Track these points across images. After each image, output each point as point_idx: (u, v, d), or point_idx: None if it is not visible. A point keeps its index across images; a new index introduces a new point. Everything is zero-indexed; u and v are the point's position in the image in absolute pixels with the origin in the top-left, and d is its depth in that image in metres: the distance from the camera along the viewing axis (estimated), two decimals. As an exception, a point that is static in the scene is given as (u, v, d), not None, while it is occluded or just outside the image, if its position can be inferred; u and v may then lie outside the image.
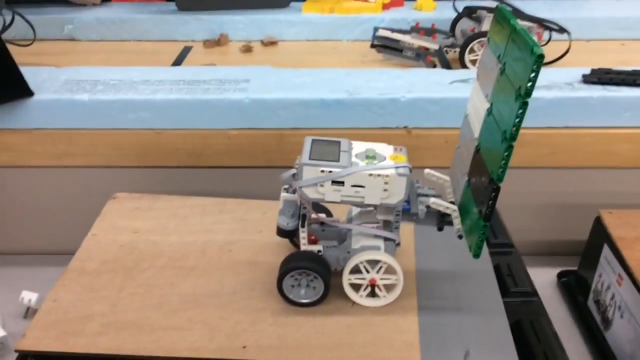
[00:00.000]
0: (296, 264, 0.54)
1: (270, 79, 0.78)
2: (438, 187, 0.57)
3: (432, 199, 0.53)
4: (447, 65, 0.92)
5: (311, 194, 0.52)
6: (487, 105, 0.51)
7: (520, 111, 0.44)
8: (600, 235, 0.67)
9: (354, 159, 0.53)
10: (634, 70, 0.76)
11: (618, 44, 1.01)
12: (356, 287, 0.55)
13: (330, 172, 0.51)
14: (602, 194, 0.77)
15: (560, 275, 0.77)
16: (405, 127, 0.75)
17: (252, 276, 0.59)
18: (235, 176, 0.77)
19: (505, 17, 0.50)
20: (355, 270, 0.55)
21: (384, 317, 0.54)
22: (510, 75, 0.46)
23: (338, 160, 0.52)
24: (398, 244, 0.56)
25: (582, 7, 1.07)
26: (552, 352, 0.52)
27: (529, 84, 0.43)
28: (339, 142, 0.54)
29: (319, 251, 0.55)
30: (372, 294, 0.55)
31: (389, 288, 0.55)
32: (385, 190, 0.52)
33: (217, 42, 1.04)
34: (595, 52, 0.97)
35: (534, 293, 0.59)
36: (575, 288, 0.74)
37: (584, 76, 0.75)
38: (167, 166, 0.76)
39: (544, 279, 0.77)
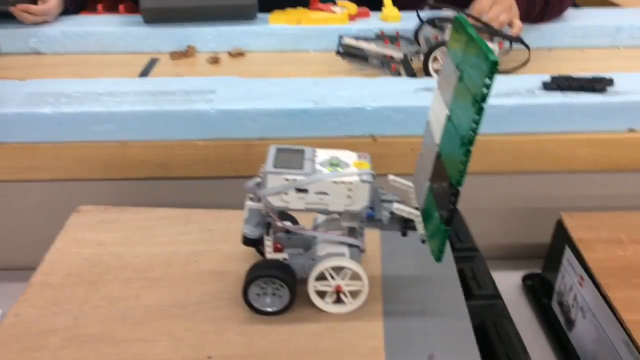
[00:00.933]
0: (261, 272, 0.54)
1: (236, 89, 0.78)
2: (402, 193, 0.58)
3: (396, 205, 0.53)
4: (412, 73, 0.93)
5: (275, 202, 0.53)
6: (447, 112, 0.52)
7: (477, 117, 0.45)
8: (561, 238, 0.68)
9: (318, 166, 0.53)
10: (592, 77, 0.78)
11: (579, 51, 1.03)
12: (322, 294, 0.56)
13: (294, 180, 0.51)
14: (564, 197, 0.78)
15: (525, 278, 0.78)
16: (371, 136, 0.76)
17: (218, 286, 0.58)
18: (202, 187, 0.76)
19: (462, 26, 0.51)
20: (321, 277, 0.55)
21: (350, 323, 0.54)
22: (468, 83, 0.47)
23: (302, 168, 0.52)
24: (363, 251, 0.56)
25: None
26: (515, 354, 0.52)
27: (485, 90, 0.44)
28: (303, 150, 0.55)
29: (284, 259, 0.55)
30: (338, 301, 0.56)
31: (354, 294, 0.56)
32: (349, 197, 0.52)
33: (185, 53, 1.04)
34: (556, 60, 0.99)
35: (497, 296, 0.59)
36: (539, 290, 0.75)
37: (544, 83, 0.77)
38: (133, 178, 0.75)
39: (509, 282, 0.79)
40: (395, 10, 1.08)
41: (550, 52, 1.03)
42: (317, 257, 0.55)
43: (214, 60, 1.01)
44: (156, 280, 0.59)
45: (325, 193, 0.52)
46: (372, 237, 0.65)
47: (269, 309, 0.55)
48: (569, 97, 0.74)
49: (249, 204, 0.55)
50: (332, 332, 0.53)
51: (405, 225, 0.55)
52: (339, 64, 0.99)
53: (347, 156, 0.55)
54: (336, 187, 0.52)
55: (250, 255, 0.61)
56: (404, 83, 0.82)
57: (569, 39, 1.05)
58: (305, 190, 0.52)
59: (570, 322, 0.67)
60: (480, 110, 0.44)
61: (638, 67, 0.95)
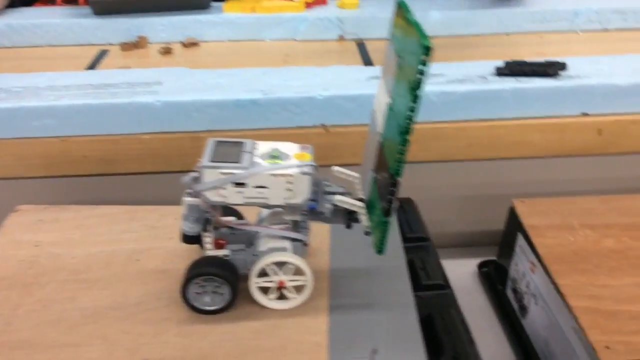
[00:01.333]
0: (200, 270, 0.52)
1: (183, 80, 0.76)
2: (347, 184, 0.57)
3: (337, 197, 0.52)
4: (369, 61, 0.92)
5: (213, 197, 0.51)
6: (389, 100, 0.50)
7: (413, 105, 0.43)
8: (514, 224, 0.68)
9: (257, 159, 0.51)
10: (545, 62, 0.77)
11: (537, 36, 1.02)
12: (265, 291, 0.54)
13: (231, 174, 0.50)
14: (518, 183, 0.78)
15: (480, 266, 0.77)
16: (323, 125, 0.75)
17: (159, 285, 0.56)
18: (149, 182, 0.74)
19: (402, 11, 0.49)
20: (263, 273, 0.53)
21: (293, 319, 0.53)
22: (406, 69, 0.46)
23: (240, 162, 0.50)
24: (307, 244, 0.55)
25: (502, 2, 1.08)
26: (461, 344, 0.51)
27: (419, 76, 0.42)
28: (242, 143, 0.53)
29: (225, 256, 0.54)
30: (283, 297, 0.54)
31: (298, 289, 0.54)
32: (289, 190, 0.51)
33: (135, 44, 1.01)
34: (513, 45, 0.98)
35: (446, 286, 0.58)
36: (494, 277, 0.74)
37: (497, 69, 0.76)
38: (76, 175, 0.73)
39: (465, 270, 0.78)
40: (352, -4, 1.06)
41: (508, 38, 1.02)
42: (258, 253, 0.53)
43: (166, 51, 0.98)
44: (94, 281, 0.57)
45: (264, 187, 0.50)
46: (321, 230, 0.64)
47: (210, 308, 0.53)
48: (521, 83, 0.74)
49: (187, 199, 0.53)
50: (274, 329, 0.52)
51: (350, 217, 0.53)
52: (295, 53, 0.97)
53: (289, 148, 0.53)
54: (275, 180, 0.50)
55: (195, 253, 0.59)
56: (357, 71, 0.80)
57: (527, 24, 1.04)
58: (243, 184, 0.50)
59: (523, 309, 0.67)
60: (415, 98, 0.43)
61: (595, 50, 0.95)
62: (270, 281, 0.53)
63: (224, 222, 0.55)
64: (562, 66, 0.76)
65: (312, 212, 0.53)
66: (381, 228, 0.49)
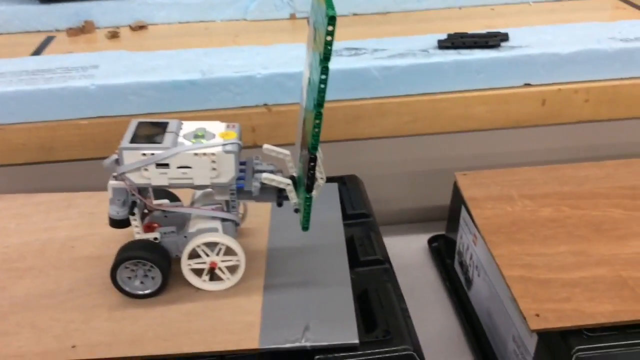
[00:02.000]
0: (128, 254, 0.51)
1: (121, 63, 0.75)
2: (279, 162, 0.56)
3: (265, 175, 0.51)
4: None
5: (136, 179, 0.50)
6: (308, 74, 0.49)
7: (323, 76, 0.42)
8: (458, 198, 0.68)
9: (181, 139, 0.51)
10: (487, 33, 0.77)
11: (488, 9, 1.02)
12: (198, 272, 0.53)
13: (152, 154, 0.49)
14: (464, 157, 0.78)
15: (430, 241, 0.78)
16: (265, 105, 0.74)
17: (93, 272, 0.56)
18: (90, 168, 0.72)
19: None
20: (195, 255, 0.53)
21: (227, 300, 0.52)
22: (318, 42, 0.45)
23: (162, 142, 0.49)
24: (238, 224, 0.54)
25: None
26: (395, 318, 0.51)
27: (327, 47, 0.41)
28: (166, 123, 0.52)
29: (155, 239, 0.53)
30: (216, 277, 0.54)
31: (232, 270, 0.54)
32: (214, 169, 0.50)
33: (82, 29, 0.98)
34: (464, 18, 0.97)
35: (385, 260, 0.58)
36: (443, 252, 0.74)
37: (439, 42, 0.76)
38: (14, 164, 0.71)
39: (416, 245, 0.78)
40: (303, -26, 1.04)
41: (460, 11, 1.01)
42: (188, 234, 0.53)
43: (113, 35, 0.96)
44: (27, 270, 0.56)
45: (188, 167, 0.50)
46: (262, 209, 0.63)
47: (141, 292, 0.52)
48: (463, 55, 0.73)
49: (112, 183, 0.52)
50: (207, 311, 0.51)
51: (280, 195, 0.53)
52: (245, 33, 0.95)
53: (215, 127, 0.53)
54: (198, 160, 0.49)
55: (131, 238, 0.58)
56: (300, 49, 0.79)
57: (479, -4, 1.03)
58: (166, 165, 0.49)
59: (469, 281, 0.67)
60: (324, 69, 0.42)
61: (545, 21, 0.94)
62: (202, 262, 0.53)
63: (154, 205, 0.54)
64: (504, 37, 0.76)
65: (240, 191, 0.52)
66: (304, 205, 0.48)
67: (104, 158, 0.73)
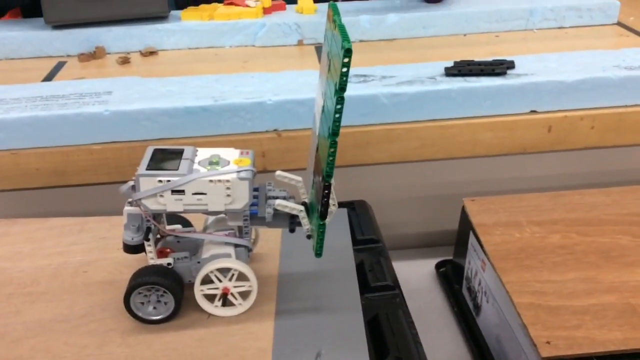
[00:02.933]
0: (142, 280, 0.52)
1: (134, 89, 0.76)
2: (291, 188, 0.57)
3: (278, 201, 0.52)
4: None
5: (152, 205, 0.51)
6: (322, 102, 0.50)
7: (338, 106, 0.43)
8: (466, 223, 0.68)
9: (196, 166, 0.51)
10: (493, 60, 0.78)
11: (493, 36, 1.03)
12: (211, 298, 0.54)
13: (168, 181, 0.50)
14: (471, 182, 0.78)
15: (438, 266, 0.78)
16: (275, 130, 0.75)
17: (106, 296, 0.56)
18: (102, 193, 0.74)
19: (333, 12, 0.50)
20: (208, 280, 0.53)
21: (239, 325, 0.53)
22: (333, 71, 0.46)
23: (177, 169, 0.50)
24: (251, 250, 0.55)
25: (458, 2, 1.09)
26: (406, 344, 0.52)
27: (342, 78, 0.42)
28: (182, 150, 0.53)
29: (168, 264, 0.53)
30: (228, 303, 0.54)
31: (244, 295, 0.54)
32: (228, 195, 0.51)
33: (93, 55, 1.00)
34: (469, 45, 0.99)
35: (395, 286, 0.59)
36: (451, 277, 0.75)
37: (446, 69, 0.77)
38: (27, 188, 0.72)
39: (424, 270, 0.78)
40: (310, 2, 1.06)
41: (465, 38, 1.03)
42: (202, 260, 0.53)
43: (124, 61, 0.98)
44: (40, 294, 0.57)
45: (203, 193, 0.50)
46: (273, 234, 0.64)
47: (154, 318, 0.53)
48: (469, 82, 0.74)
49: (127, 208, 0.53)
50: (219, 337, 0.52)
51: (292, 221, 0.54)
52: (254, 59, 0.97)
53: (229, 154, 0.54)
54: (213, 186, 0.50)
55: (144, 263, 0.59)
56: (310, 75, 0.81)
57: (484, 24, 1.04)
58: (182, 192, 0.50)
59: (477, 307, 0.67)
60: (340, 100, 0.43)
61: (550, 48, 0.96)
62: (215, 288, 0.53)
63: (168, 230, 0.55)
64: (510, 64, 0.77)
65: (254, 217, 0.53)
66: (318, 231, 0.49)
67: (117, 183, 0.74)
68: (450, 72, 0.76)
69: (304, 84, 0.77)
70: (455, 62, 0.78)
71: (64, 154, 0.72)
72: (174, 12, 1.07)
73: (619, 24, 1.04)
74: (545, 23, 1.05)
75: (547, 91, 0.75)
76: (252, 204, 0.52)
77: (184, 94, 0.75)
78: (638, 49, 0.85)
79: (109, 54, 1.02)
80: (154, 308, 0.53)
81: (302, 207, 0.52)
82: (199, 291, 0.53)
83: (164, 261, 0.53)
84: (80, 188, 0.74)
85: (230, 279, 0.53)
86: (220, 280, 0.53)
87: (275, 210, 0.53)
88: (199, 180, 0.50)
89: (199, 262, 0.53)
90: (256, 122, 0.74)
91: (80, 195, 0.74)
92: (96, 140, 0.72)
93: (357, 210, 0.70)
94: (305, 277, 0.59)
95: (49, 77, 0.93)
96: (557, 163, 0.78)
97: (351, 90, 0.74)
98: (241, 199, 0.51)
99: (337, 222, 0.67)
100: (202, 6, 1.07)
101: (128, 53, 1.02)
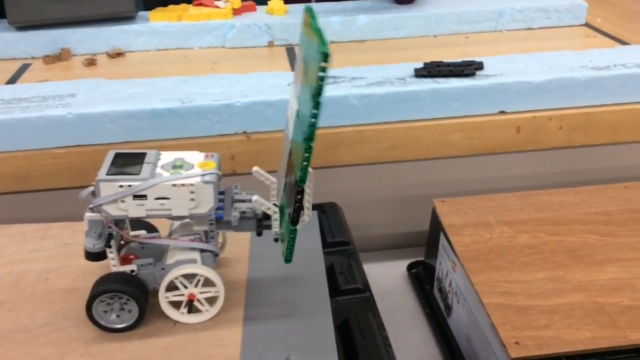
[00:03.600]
0: (104, 287, 0.50)
1: (98, 91, 0.74)
2: (262, 188, 0.56)
3: (255, 197, 0.51)
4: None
5: (113, 211, 0.49)
6: (297, 106, 0.50)
7: (315, 111, 0.42)
8: (436, 224, 0.68)
9: (159, 170, 0.50)
10: (462, 61, 0.78)
11: (463, 37, 1.04)
12: (176, 305, 0.53)
13: (130, 186, 0.48)
14: (442, 183, 0.78)
15: (410, 267, 0.78)
16: (244, 133, 0.74)
17: (68, 305, 0.55)
18: (66, 198, 0.72)
19: (309, 16, 0.49)
20: (173, 287, 0.52)
21: (206, 332, 0.52)
22: (309, 75, 0.45)
23: (139, 173, 0.49)
24: (217, 255, 0.54)
25: (429, 4, 1.09)
26: (376, 347, 0.51)
27: (319, 83, 0.42)
28: (144, 154, 0.52)
29: (132, 271, 0.52)
30: (194, 310, 0.53)
31: (211, 301, 0.53)
32: (192, 199, 0.50)
33: (58, 57, 0.98)
34: (440, 47, 0.99)
35: (365, 289, 0.58)
36: (423, 278, 0.75)
37: (416, 70, 0.77)
38: (-12, 194, 0.70)
39: (395, 272, 0.78)
40: (280, 3, 1.05)
41: (435, 39, 1.03)
42: (166, 266, 0.52)
43: (90, 63, 0.96)
44: (0, 303, 0.55)
45: (166, 198, 0.49)
46: (241, 239, 0.63)
47: (118, 326, 0.51)
48: (439, 83, 0.74)
49: (88, 215, 0.51)
50: (185, 344, 0.50)
51: (260, 224, 0.53)
52: (224, 60, 0.96)
53: (194, 157, 0.52)
54: (177, 191, 0.49)
55: (107, 270, 0.57)
56: (279, 77, 0.80)
57: (454, 25, 1.05)
58: (144, 197, 0.49)
59: (448, 308, 0.67)
60: (317, 104, 0.42)
61: (518, 49, 0.96)
62: (180, 295, 0.52)
63: (131, 236, 0.53)
64: (479, 65, 0.77)
65: (220, 221, 0.52)
66: (289, 237, 0.48)
67: (80, 187, 0.72)
68: (420, 74, 0.76)
69: (273, 86, 0.76)
70: (425, 64, 0.78)
71: (26, 158, 0.70)
72: (141, 13, 1.05)
73: (587, 25, 1.06)
74: (514, 24, 1.06)
75: (516, 92, 0.75)
76: (218, 208, 0.51)
77: (150, 96, 0.73)
78: (605, 50, 0.86)
79: (74, 55, 1.00)
80: (118, 316, 0.51)
81: (276, 209, 0.51)
82: (164, 298, 0.52)
83: (127, 268, 0.52)
84: (43, 193, 0.72)
85: (196, 285, 0.52)
86: (185, 287, 0.52)
87: (242, 213, 0.52)
88: (162, 184, 0.49)
89: (163, 269, 0.52)
90: (225, 124, 0.73)
91: (43, 201, 0.72)
92: (59, 144, 0.70)
93: (327, 212, 0.69)
94: (275, 281, 0.58)
95: (12, 80, 0.90)
96: (526, 163, 0.79)
97: (321, 92, 0.74)
98: (206, 203, 0.50)
99: (307, 225, 0.66)
100: (171, 7, 1.05)
101: (94, 55, 1.00)
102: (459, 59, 0.79)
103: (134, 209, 0.49)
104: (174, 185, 0.49)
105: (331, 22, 0.98)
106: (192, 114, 0.72)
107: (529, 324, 0.52)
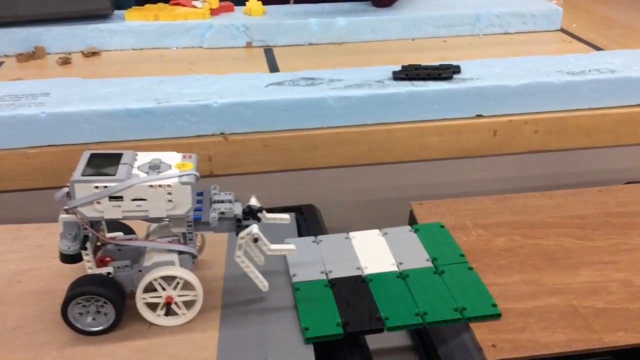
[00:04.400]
0: (80, 289, 0.49)
1: (73, 91, 0.73)
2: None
3: (271, 246, 0.51)
4: (275, 68, 0.91)
5: (88, 212, 0.48)
6: None
7: None
8: (414, 227, 0.68)
9: (135, 171, 0.49)
10: (440, 65, 0.79)
11: (440, 41, 1.05)
12: (153, 307, 0.52)
13: (105, 187, 0.47)
14: (419, 186, 0.79)
15: (387, 269, 0.78)
16: (221, 134, 0.73)
17: (41, 307, 0.53)
18: (38, 199, 0.70)
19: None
20: (151, 288, 0.51)
21: (182, 335, 0.51)
22: None
23: (115, 174, 0.48)
24: (196, 257, 0.53)
25: (407, 7, 1.10)
26: (352, 346, 0.51)
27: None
28: (120, 155, 0.51)
29: (108, 273, 0.51)
30: (171, 312, 0.52)
31: (188, 304, 0.52)
32: (170, 201, 0.49)
33: (32, 55, 0.96)
34: (418, 50, 1.00)
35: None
36: (400, 281, 0.75)
37: (394, 73, 0.77)
38: (-42, 194, 0.68)
39: (373, 274, 0.78)
40: (259, 3, 1.05)
41: (414, 43, 1.04)
42: (143, 268, 0.51)
43: (65, 61, 0.94)
44: (-31, 306, 0.53)
45: (142, 199, 0.48)
46: (218, 240, 0.62)
47: (93, 329, 0.50)
48: (417, 86, 0.75)
49: (63, 216, 0.50)
50: (161, 347, 0.50)
51: (239, 224, 0.52)
52: (201, 61, 0.95)
53: (171, 158, 0.52)
54: (154, 192, 0.48)
55: (82, 272, 0.56)
56: (257, 78, 0.79)
57: (432, 29, 1.05)
58: (120, 198, 0.48)
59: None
60: None
61: (495, 53, 0.98)
62: (158, 296, 0.51)
63: (108, 238, 0.52)
64: (456, 69, 0.78)
65: (198, 222, 0.51)
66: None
67: (54, 188, 0.71)
68: (398, 76, 0.76)
69: (251, 87, 0.76)
70: (403, 66, 0.78)
71: (-3, 158, 0.68)
72: (117, 12, 1.04)
73: (562, 30, 1.08)
74: (491, 29, 1.07)
75: (492, 96, 0.76)
76: (196, 209, 0.51)
77: (126, 96, 0.72)
78: (580, 55, 0.88)
79: (49, 54, 0.98)
80: (93, 319, 0.50)
81: (293, 247, 0.51)
82: (141, 299, 0.51)
83: (103, 270, 0.51)
84: (15, 193, 0.70)
85: (174, 288, 0.51)
86: (164, 289, 0.51)
87: (221, 214, 0.51)
88: (138, 185, 0.48)
89: (140, 271, 0.51)
90: (202, 125, 0.72)
91: (15, 201, 0.70)
92: (32, 143, 0.69)
93: (305, 215, 0.69)
94: (252, 283, 0.57)
95: (-17, 78, 0.88)
96: (503, 166, 0.80)
97: (299, 93, 0.73)
98: (183, 205, 0.49)
99: (285, 226, 0.65)
100: (147, 6, 1.04)
101: (69, 53, 0.98)
102: (436, 63, 0.80)
103: (110, 211, 0.48)
104: (151, 186, 0.48)
105: (310, 24, 0.98)
106: (168, 114, 0.71)
107: (505, 327, 0.52)
